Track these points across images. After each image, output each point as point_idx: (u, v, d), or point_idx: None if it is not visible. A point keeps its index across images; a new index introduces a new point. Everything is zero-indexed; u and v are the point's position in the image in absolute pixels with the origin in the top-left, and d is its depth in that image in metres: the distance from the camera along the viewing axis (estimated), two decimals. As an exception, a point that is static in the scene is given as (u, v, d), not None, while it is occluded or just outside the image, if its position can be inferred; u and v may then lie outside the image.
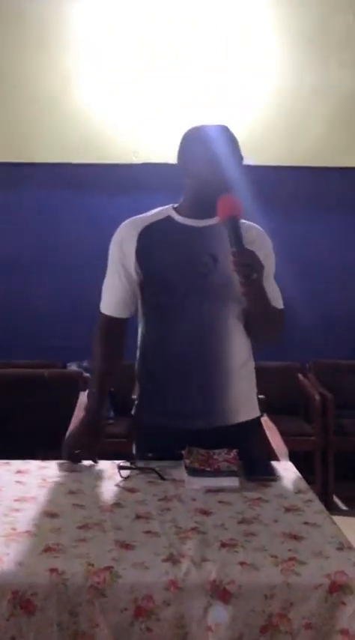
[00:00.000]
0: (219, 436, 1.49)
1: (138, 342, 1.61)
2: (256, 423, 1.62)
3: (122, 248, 1.55)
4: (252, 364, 1.61)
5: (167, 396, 1.55)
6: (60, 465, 1.50)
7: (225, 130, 1.51)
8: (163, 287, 1.51)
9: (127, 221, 1.58)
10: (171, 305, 1.51)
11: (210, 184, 1.45)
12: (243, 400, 1.56)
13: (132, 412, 1.63)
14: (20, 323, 3.65)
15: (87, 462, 1.51)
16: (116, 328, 1.61)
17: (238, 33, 3.53)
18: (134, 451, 1.62)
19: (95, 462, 1.51)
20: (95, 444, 1.54)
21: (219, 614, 0.99)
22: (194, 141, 1.51)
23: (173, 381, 1.53)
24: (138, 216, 1.58)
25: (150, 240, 1.52)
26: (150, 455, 1.50)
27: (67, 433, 1.61)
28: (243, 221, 1.56)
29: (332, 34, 3.61)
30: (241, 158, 1.51)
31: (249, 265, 1.34)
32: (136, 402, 1.62)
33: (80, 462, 1.51)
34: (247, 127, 3.59)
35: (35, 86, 3.54)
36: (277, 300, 1.56)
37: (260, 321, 1.53)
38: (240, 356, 1.55)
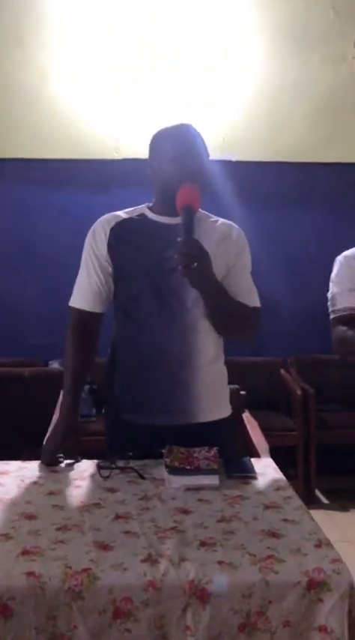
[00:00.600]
0: (186, 434, 1.49)
1: (112, 339, 1.61)
2: (226, 423, 1.60)
3: (96, 242, 1.56)
4: (221, 362, 1.61)
5: (133, 391, 1.55)
6: (40, 466, 1.49)
7: (188, 128, 1.53)
8: (131, 281, 1.52)
9: (102, 217, 1.59)
10: (138, 300, 1.52)
11: (173, 181, 1.46)
12: (211, 398, 1.55)
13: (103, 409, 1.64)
14: (-1, 320, 3.62)
15: (69, 460, 1.51)
16: (87, 323, 1.59)
17: (218, 29, 3.51)
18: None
19: (77, 460, 1.51)
20: (75, 445, 1.53)
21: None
22: (158, 140, 1.54)
23: (139, 375, 1.54)
24: (112, 213, 1.59)
25: (122, 236, 1.53)
26: (130, 454, 1.50)
27: (46, 438, 1.58)
28: (218, 218, 1.58)
29: (314, 30, 3.62)
30: (207, 154, 1.54)
31: (190, 255, 1.36)
32: (108, 399, 1.62)
33: (60, 464, 1.50)
34: (229, 122, 3.59)
35: (12, 81, 3.49)
36: (249, 297, 1.55)
37: (217, 314, 1.52)
38: (207, 352, 1.54)
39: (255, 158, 3.63)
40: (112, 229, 1.55)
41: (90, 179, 3.58)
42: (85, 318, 1.59)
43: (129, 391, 1.56)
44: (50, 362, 3.50)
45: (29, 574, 0.99)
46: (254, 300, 1.57)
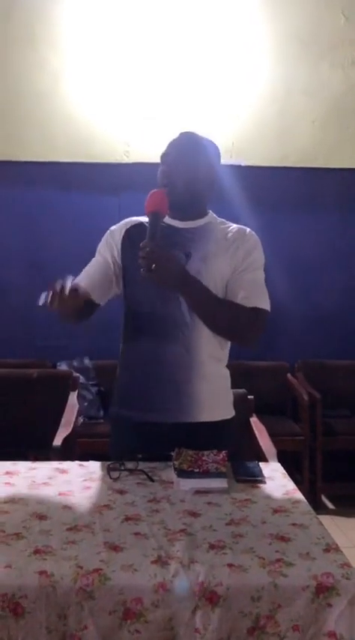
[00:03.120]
0: (185, 433, 1.51)
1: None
2: (227, 424, 1.60)
3: (112, 237, 1.64)
4: (222, 363, 1.61)
5: (134, 388, 1.58)
6: (49, 466, 1.50)
7: (189, 137, 1.58)
8: (137, 282, 1.54)
9: (125, 219, 1.66)
10: (142, 297, 1.55)
11: (173, 189, 1.52)
12: (211, 398, 1.56)
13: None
14: (9, 322, 3.64)
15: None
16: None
17: (229, 34, 3.53)
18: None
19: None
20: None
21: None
22: (166, 149, 1.59)
23: (140, 373, 1.56)
24: (134, 217, 1.65)
25: (135, 236, 1.57)
26: (139, 456, 1.51)
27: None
28: (232, 224, 1.61)
29: (324, 36, 3.63)
30: (209, 162, 1.57)
31: (147, 258, 1.40)
32: (113, 398, 1.65)
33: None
34: (238, 127, 3.60)
35: (24, 84, 3.51)
36: (249, 298, 1.54)
37: (199, 313, 1.52)
38: (206, 352, 1.55)
39: (265, 163, 3.64)
40: (128, 230, 1.62)
41: (100, 182, 3.60)
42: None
43: (131, 388, 1.59)
44: (58, 363, 3.52)
45: (41, 573, 1.00)
46: (254, 301, 1.54)
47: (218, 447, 1.48)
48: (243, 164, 3.61)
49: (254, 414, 2.47)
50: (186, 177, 1.54)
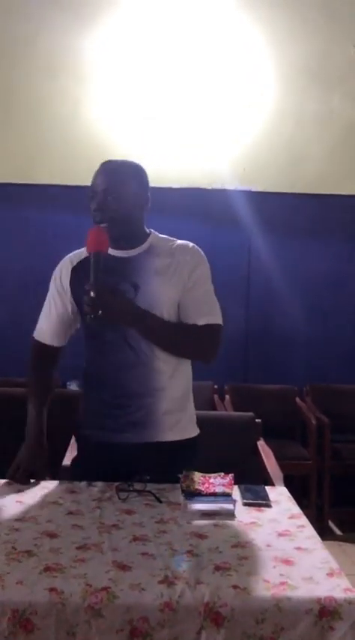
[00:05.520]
0: (150, 452, 1.54)
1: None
2: (192, 442, 1.61)
3: (60, 281, 1.66)
4: (184, 382, 1.62)
5: (98, 410, 1.61)
6: (59, 486, 1.53)
7: (110, 167, 1.59)
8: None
9: (67, 256, 1.69)
10: (98, 331, 1.58)
11: (111, 223, 1.53)
12: (170, 418, 1.58)
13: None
14: (20, 341, 3.68)
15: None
16: (47, 354, 1.71)
17: (242, 63, 3.63)
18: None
19: (45, 479, 1.58)
20: (44, 465, 1.61)
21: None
22: (91, 184, 1.59)
23: (99, 396, 1.60)
24: (77, 251, 1.68)
25: (82, 272, 1.57)
26: (147, 477, 1.54)
27: (16, 458, 1.61)
28: (175, 240, 1.62)
29: (334, 66, 3.72)
30: (136, 188, 1.58)
31: (91, 305, 1.44)
32: (77, 421, 1.69)
33: (28, 482, 1.55)
34: (250, 154, 3.68)
35: (45, 111, 3.63)
36: (199, 315, 1.55)
37: (154, 342, 1.54)
38: (167, 372, 1.57)
39: (275, 189, 3.71)
40: (74, 268, 1.64)
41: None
42: (43, 350, 1.71)
43: (95, 410, 1.62)
44: (68, 383, 3.56)
45: (51, 590, 1.03)
46: (206, 318, 1.55)
47: (184, 466, 1.50)
48: (253, 190, 3.68)
49: (261, 438, 2.48)
50: (119, 209, 1.53)
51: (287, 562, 1.16)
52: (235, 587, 1.06)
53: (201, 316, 1.56)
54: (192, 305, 1.56)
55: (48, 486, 1.53)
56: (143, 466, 1.52)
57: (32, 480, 1.56)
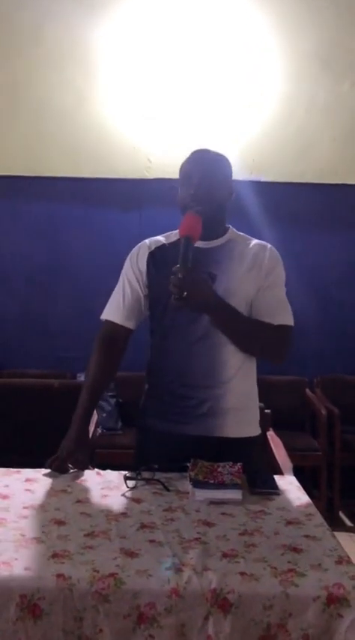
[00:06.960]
0: (209, 447, 1.54)
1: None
2: (252, 442, 1.62)
3: (137, 262, 1.64)
4: (250, 380, 1.63)
5: (162, 400, 1.60)
6: (68, 475, 1.54)
7: (204, 153, 1.59)
8: (164, 303, 1.57)
9: (145, 240, 1.67)
10: (170, 319, 1.58)
11: (184, 205, 1.55)
12: (236, 414, 1.58)
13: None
14: (31, 333, 3.72)
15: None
16: (117, 337, 1.65)
17: (251, 51, 3.60)
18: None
19: (87, 469, 1.57)
20: (86, 456, 1.60)
21: None
22: (181, 165, 1.61)
23: (167, 387, 1.59)
24: (154, 237, 1.67)
25: (159, 261, 1.60)
26: (155, 466, 1.54)
27: (60, 446, 1.59)
28: (252, 240, 1.64)
29: (344, 54, 3.67)
30: (225, 181, 1.59)
31: (179, 286, 1.41)
32: (140, 409, 1.68)
33: (67, 471, 1.54)
34: (259, 144, 3.65)
35: (49, 102, 3.63)
36: (274, 315, 1.57)
37: (228, 334, 1.55)
38: (234, 366, 1.57)
39: (284, 179, 3.68)
40: (151, 253, 1.63)
41: (121, 198, 3.68)
42: (115, 332, 1.65)
43: (158, 400, 1.62)
44: (78, 374, 3.58)
45: (59, 576, 1.03)
46: (280, 319, 1.58)
47: (242, 463, 1.49)
48: (262, 180, 3.65)
49: (271, 429, 2.47)
50: (217, 198, 1.56)
51: (295, 549, 1.15)
52: (242, 573, 1.06)
53: (276, 316, 1.57)
54: (267, 304, 1.57)
55: (57, 475, 1.53)
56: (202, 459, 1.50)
57: (72, 470, 1.55)
